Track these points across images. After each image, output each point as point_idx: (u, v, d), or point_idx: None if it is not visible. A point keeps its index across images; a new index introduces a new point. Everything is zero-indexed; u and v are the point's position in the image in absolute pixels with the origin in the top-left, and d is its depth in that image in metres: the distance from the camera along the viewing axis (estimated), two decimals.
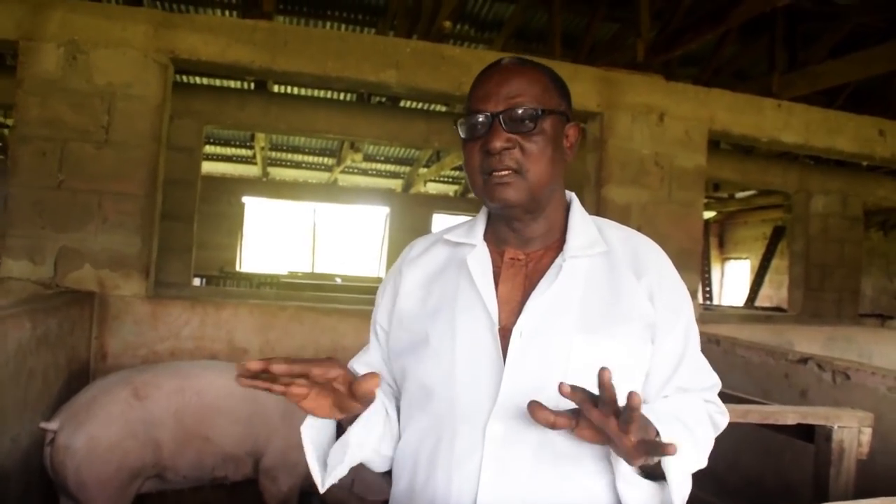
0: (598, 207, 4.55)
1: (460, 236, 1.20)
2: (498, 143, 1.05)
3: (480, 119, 1.08)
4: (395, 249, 13.32)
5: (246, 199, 12.84)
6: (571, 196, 1.22)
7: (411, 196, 13.09)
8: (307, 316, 3.89)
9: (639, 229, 4.42)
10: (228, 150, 11.21)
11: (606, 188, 4.56)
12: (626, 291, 1.09)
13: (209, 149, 10.68)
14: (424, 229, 13.55)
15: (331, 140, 10.22)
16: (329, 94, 7.52)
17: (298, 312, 3.87)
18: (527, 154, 1.07)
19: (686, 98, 4.70)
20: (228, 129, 9.73)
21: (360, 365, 1.21)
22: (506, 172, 1.07)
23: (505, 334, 1.06)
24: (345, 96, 7.71)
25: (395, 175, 12.68)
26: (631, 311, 1.08)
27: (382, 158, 11.82)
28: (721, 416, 1.16)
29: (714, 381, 1.17)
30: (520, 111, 1.06)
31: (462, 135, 1.12)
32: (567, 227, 1.16)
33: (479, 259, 1.14)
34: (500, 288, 1.11)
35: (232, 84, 7.39)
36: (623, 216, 4.51)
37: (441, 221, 15.55)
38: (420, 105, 7.66)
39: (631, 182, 4.58)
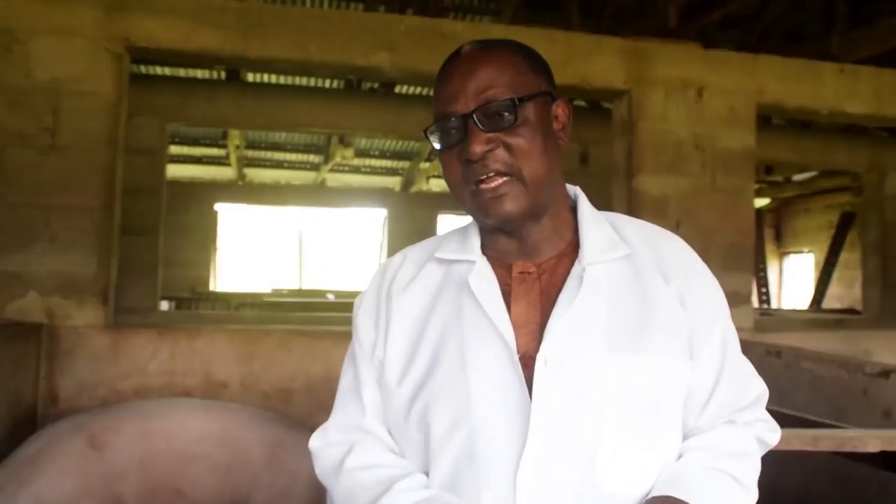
0: (629, 201, 4.53)
1: (454, 252, 1.18)
2: (477, 148, 1.05)
3: (452, 124, 1.08)
4: None
5: (220, 207, 12.90)
6: (576, 191, 1.21)
7: (412, 195, 13.11)
8: (296, 341, 3.89)
9: (678, 224, 4.31)
10: (197, 151, 11.25)
11: (638, 178, 4.53)
12: (657, 299, 1.09)
13: (175, 150, 10.73)
14: (429, 232, 13.56)
15: (316, 135, 10.24)
16: (313, 82, 7.53)
17: (286, 337, 3.87)
18: (514, 151, 1.06)
19: (729, 68, 4.68)
20: (197, 127, 9.77)
21: (369, 405, 1.17)
22: (497, 182, 1.06)
23: (527, 363, 1.05)
24: (331, 84, 7.72)
25: (392, 172, 12.71)
26: (665, 321, 1.08)
27: (377, 153, 11.84)
28: (771, 434, 1.18)
29: (759, 392, 1.18)
30: (494, 105, 1.06)
31: (435, 145, 1.11)
32: (577, 227, 1.16)
33: (483, 277, 1.13)
34: (512, 309, 1.10)
35: (199, 74, 7.42)
36: (659, 210, 4.48)
37: (448, 223, 15.55)
38: (418, 90, 7.66)
39: (667, 170, 4.55)
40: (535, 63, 1.13)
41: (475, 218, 1.14)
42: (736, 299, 4.60)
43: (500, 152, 1.06)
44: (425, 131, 1.12)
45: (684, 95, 4.59)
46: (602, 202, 5.21)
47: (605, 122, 5.32)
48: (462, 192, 1.10)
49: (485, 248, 1.17)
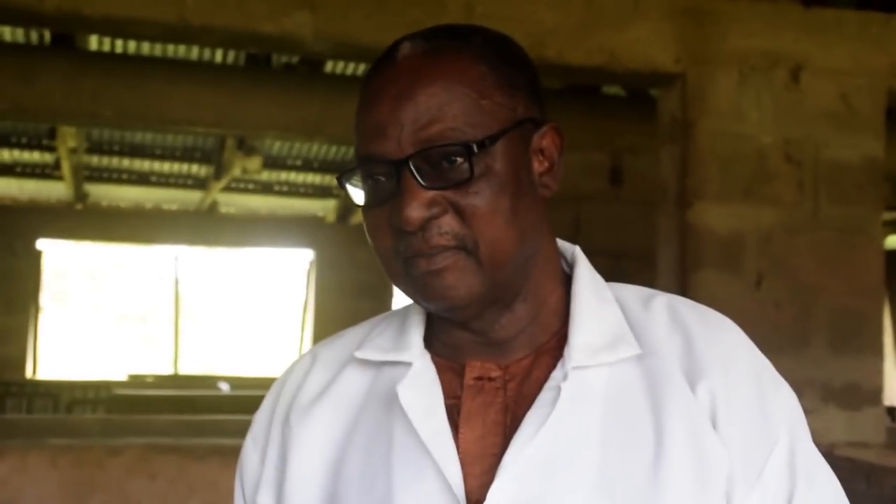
0: (682, 242, 4.65)
1: (383, 350, 1.23)
2: (415, 213, 1.08)
3: (379, 170, 1.12)
4: (328, 323, 13.31)
5: (44, 244, 12.88)
6: (573, 253, 1.26)
7: (353, 229, 13.18)
8: (162, 463, 3.90)
9: (759, 280, 4.45)
10: (8, 156, 11.27)
11: (697, 207, 4.66)
12: (675, 419, 1.12)
13: None
14: (377, 283, 13.59)
15: (203, 136, 10.31)
16: (195, 55, 7.64)
17: (145, 458, 3.87)
18: (468, 217, 1.09)
19: (843, 35, 4.85)
20: (5, 120, 9.80)
21: None
22: (441, 261, 1.10)
23: None
24: (224, 58, 7.83)
25: (322, 193, 12.77)
26: (686, 455, 1.11)
27: (298, 164, 11.90)
28: None
29: None
30: (440, 150, 1.08)
31: (356, 199, 1.17)
32: (568, 310, 1.20)
33: (420, 389, 1.17)
34: (461, 434, 1.14)
35: (6, 35, 7.49)
36: (730, 257, 4.60)
37: None
38: (355, 70, 7.79)
39: (743, 194, 4.68)
40: (511, 70, 1.15)
41: (414, 300, 1.17)
42: (855, 396, 4.72)
43: (448, 219, 1.09)
44: (339, 178, 1.17)
45: (770, 79, 4.75)
46: (641, 243, 5.33)
47: (646, 121, 5.47)
48: (393, 266, 1.15)
49: (431, 342, 1.22)
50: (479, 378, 1.17)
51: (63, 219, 12.60)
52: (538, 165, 1.16)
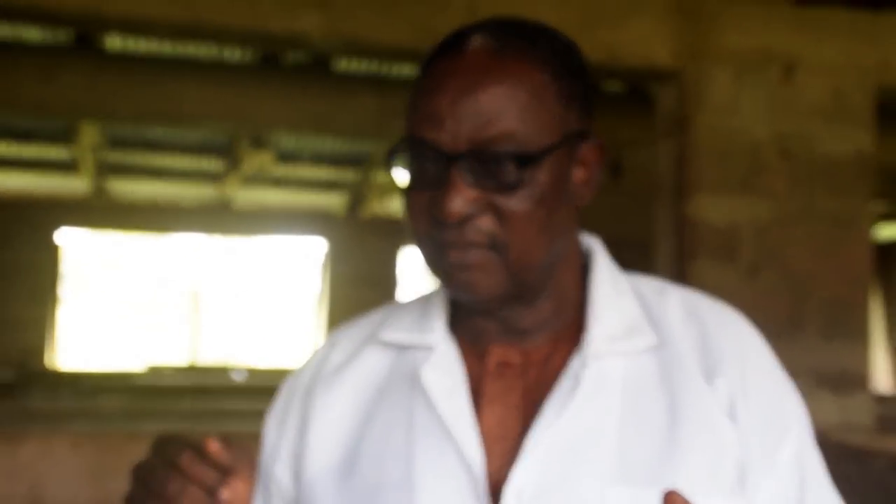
0: (680, 234, 4.70)
1: (406, 331, 1.25)
2: (456, 208, 1.08)
3: (429, 157, 1.11)
4: (340, 313, 13.31)
5: (64, 236, 12.94)
6: (592, 246, 1.26)
7: (362, 221, 13.20)
8: None
9: (754, 270, 4.49)
10: (29, 152, 11.32)
11: (695, 199, 4.70)
12: (692, 408, 1.14)
13: None
14: (387, 272, 13.64)
15: (217, 131, 10.34)
16: (210, 54, 7.68)
17: None
18: (506, 220, 1.10)
19: (835, 33, 4.89)
20: (27, 117, 9.85)
21: None
22: (471, 255, 1.11)
23: (498, 493, 1.11)
24: (239, 56, 7.86)
25: (332, 186, 12.79)
26: (702, 441, 1.12)
27: (309, 159, 11.92)
28: None
29: None
30: (493, 153, 1.08)
31: (399, 178, 1.16)
32: (586, 299, 1.21)
33: (444, 370, 1.18)
34: (484, 416, 1.16)
35: (30, 38, 7.55)
36: (725, 247, 4.66)
37: (415, 259, 15.34)
38: (365, 68, 7.84)
39: (738, 187, 4.73)
40: (571, 81, 1.13)
41: (441, 284, 1.18)
42: (844, 382, 4.77)
43: (486, 219, 1.09)
44: (389, 154, 1.15)
45: (765, 75, 4.79)
46: (640, 233, 5.38)
47: (645, 116, 5.52)
48: (426, 250, 1.14)
49: (454, 327, 1.23)
50: (501, 364, 1.18)
51: (81, 212, 12.64)
52: (579, 176, 1.15)
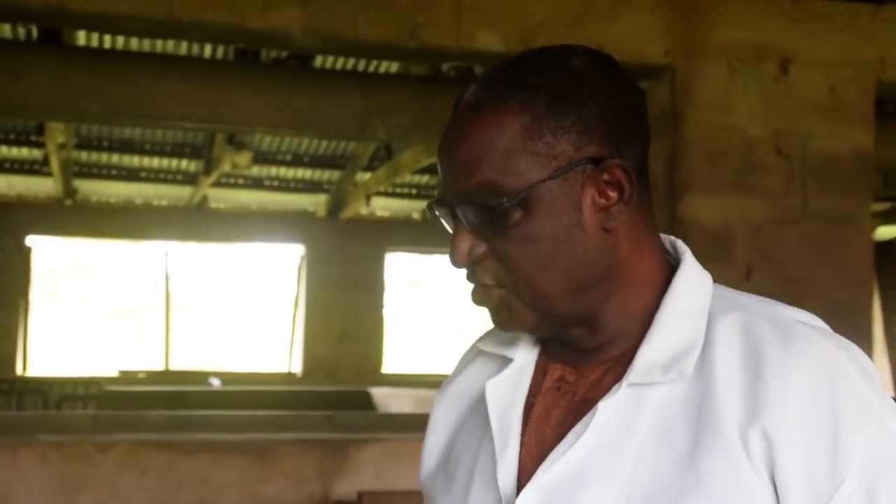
0: (671, 233, 4.60)
1: (497, 342, 1.34)
2: (457, 253, 1.19)
3: (437, 208, 1.23)
4: (319, 319, 13.33)
5: (34, 241, 12.84)
6: (683, 258, 1.25)
7: (344, 223, 13.18)
8: (153, 458, 3.92)
9: (748, 272, 4.44)
10: None
11: (686, 199, 4.68)
12: (711, 452, 1.11)
13: None
14: (371, 278, 13.62)
15: (192, 131, 10.30)
16: (184, 50, 7.62)
17: (135, 453, 3.90)
18: (506, 263, 1.18)
19: (830, 29, 4.85)
20: None
21: None
22: (489, 295, 1.21)
23: None
24: (214, 52, 7.81)
25: (312, 188, 12.77)
26: (712, 478, 1.10)
27: (288, 159, 11.90)
28: None
29: None
30: (478, 203, 1.16)
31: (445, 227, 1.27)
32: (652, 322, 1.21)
33: (507, 385, 1.27)
34: (528, 432, 1.23)
35: None
36: (718, 248, 4.61)
37: (401, 262, 15.53)
38: (348, 64, 7.78)
39: (731, 186, 4.69)
40: (563, 112, 1.16)
41: None
42: None
43: (491, 262, 1.18)
44: (429, 205, 1.25)
45: (759, 71, 4.76)
46: None
47: None
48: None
49: (542, 341, 1.30)
50: (560, 379, 1.25)
51: (53, 215, 12.56)
52: (597, 201, 1.17)
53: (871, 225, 4.95)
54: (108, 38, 7.49)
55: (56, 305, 15.66)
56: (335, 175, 12.34)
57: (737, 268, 4.62)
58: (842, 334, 4.32)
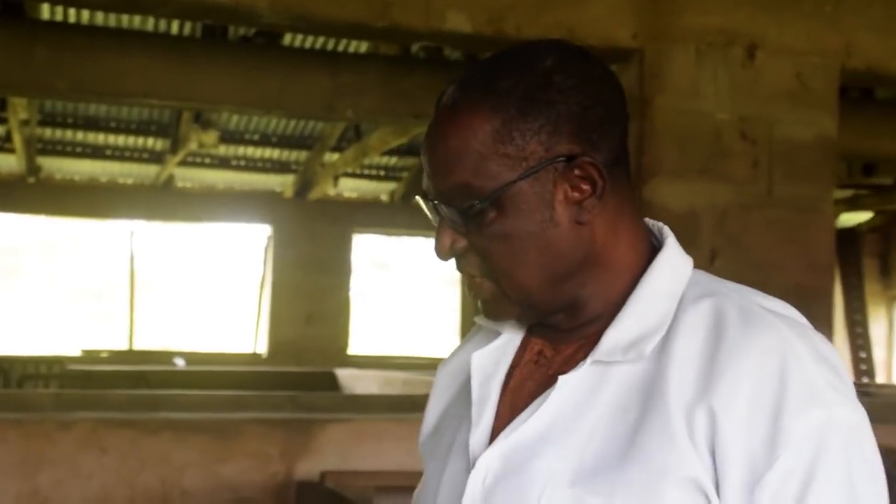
0: None
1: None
2: (440, 247, 1.27)
3: (423, 202, 1.29)
4: (285, 300, 13.31)
5: None
6: (666, 243, 1.29)
7: (311, 204, 13.14)
8: (114, 437, 3.89)
9: (713, 256, 4.47)
10: None
11: (653, 184, 4.70)
12: (655, 425, 1.17)
13: None
14: (339, 259, 13.60)
15: (158, 109, 10.23)
16: (151, 26, 7.57)
17: (96, 432, 3.87)
18: (484, 258, 1.25)
19: (796, 15, 4.88)
20: None
21: None
22: (478, 285, 1.28)
23: None
24: (181, 29, 7.77)
25: (280, 168, 12.75)
26: (650, 458, 1.16)
27: (255, 139, 11.87)
28: None
29: None
30: (455, 202, 1.23)
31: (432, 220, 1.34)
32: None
33: (492, 357, 1.35)
34: (504, 401, 1.31)
35: None
36: (685, 233, 4.53)
37: (368, 244, 15.50)
38: (317, 43, 7.76)
39: (698, 171, 4.72)
40: (536, 113, 1.20)
41: None
42: None
43: (472, 257, 1.26)
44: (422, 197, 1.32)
45: (726, 57, 4.78)
46: None
47: None
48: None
49: None
50: (539, 353, 1.32)
51: (15, 192, 12.45)
52: (570, 196, 1.22)
53: (834, 211, 4.98)
54: (72, 13, 7.44)
55: (18, 284, 15.53)
56: (303, 155, 12.32)
57: (702, 252, 4.64)
58: (806, 317, 4.30)
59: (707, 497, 1.13)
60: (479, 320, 1.40)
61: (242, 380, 9.96)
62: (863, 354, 14.60)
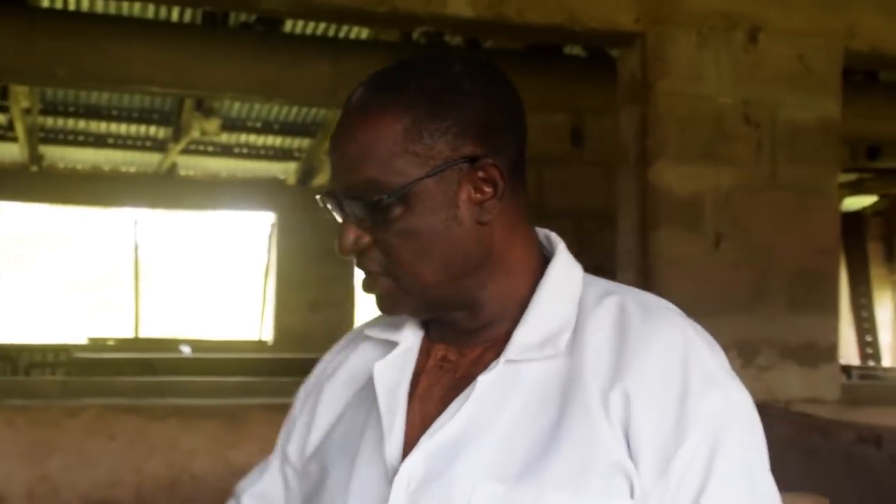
0: (642, 203, 4.70)
1: (383, 327, 1.44)
2: (343, 242, 1.30)
3: (327, 200, 1.32)
4: (290, 287, 13.33)
5: (2, 207, 12.78)
6: (557, 248, 1.38)
7: (315, 191, 13.04)
8: (121, 423, 3.92)
9: (717, 240, 4.49)
10: None
11: (657, 168, 4.70)
12: (575, 416, 1.23)
13: None
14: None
15: (160, 96, 10.23)
16: (151, 13, 7.57)
17: (104, 418, 3.89)
18: (387, 253, 1.29)
19: None
20: None
21: (251, 499, 1.57)
22: (374, 282, 1.32)
23: None
24: (181, 16, 7.76)
25: (283, 155, 12.73)
26: (573, 445, 1.22)
27: (258, 126, 11.85)
28: None
29: None
30: (361, 198, 1.27)
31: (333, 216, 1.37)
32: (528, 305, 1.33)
33: (394, 366, 1.37)
34: (413, 409, 1.33)
35: None
36: (688, 217, 4.66)
37: None
38: (318, 29, 7.75)
39: (701, 155, 4.73)
40: (442, 115, 1.26)
41: None
42: (811, 354, 4.80)
43: (375, 252, 1.29)
44: (321, 194, 1.35)
45: (729, 40, 4.79)
46: (601, 202, 5.38)
47: (607, 82, 5.49)
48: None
49: (428, 325, 1.41)
50: (442, 359, 1.36)
51: (18, 181, 12.46)
52: (472, 197, 1.28)
53: (838, 195, 4.98)
54: (72, 0, 7.45)
55: (24, 273, 15.57)
56: (305, 143, 12.31)
57: (706, 235, 4.66)
58: (807, 302, 4.40)
59: (629, 479, 1.20)
60: (371, 332, 1.44)
61: (248, 366, 9.98)
62: (868, 338, 14.59)
